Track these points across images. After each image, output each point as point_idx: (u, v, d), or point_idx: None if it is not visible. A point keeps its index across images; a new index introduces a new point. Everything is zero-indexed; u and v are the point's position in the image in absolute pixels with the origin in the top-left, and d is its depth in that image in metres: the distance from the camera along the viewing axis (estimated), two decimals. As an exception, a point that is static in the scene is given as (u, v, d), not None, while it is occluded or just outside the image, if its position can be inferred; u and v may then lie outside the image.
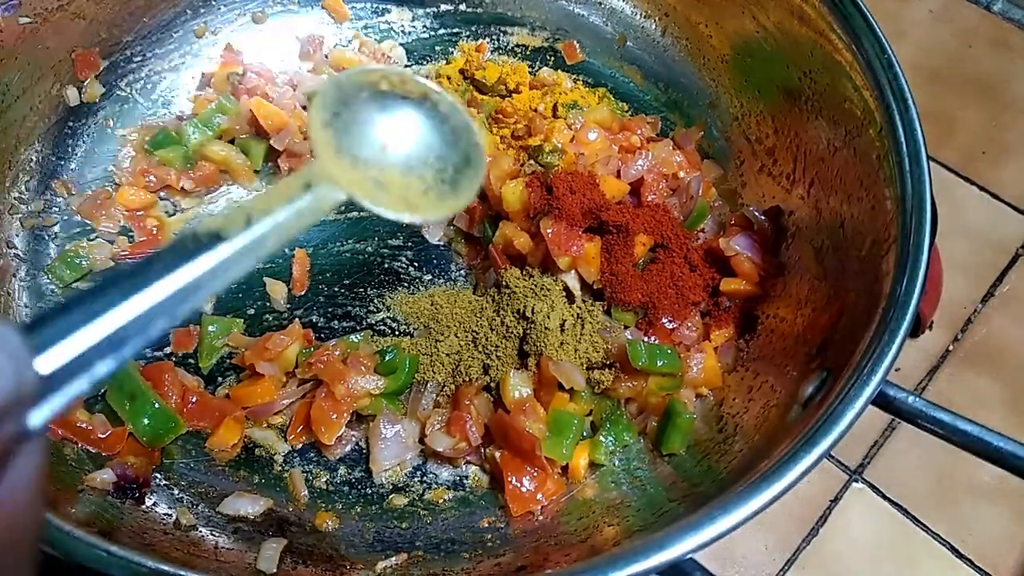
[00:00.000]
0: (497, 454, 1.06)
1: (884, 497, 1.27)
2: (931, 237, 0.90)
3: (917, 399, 0.83)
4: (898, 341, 0.82)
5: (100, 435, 1.03)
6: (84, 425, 1.03)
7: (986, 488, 1.27)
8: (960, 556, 1.22)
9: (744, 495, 0.75)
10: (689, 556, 0.73)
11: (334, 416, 1.08)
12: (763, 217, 1.20)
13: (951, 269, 1.40)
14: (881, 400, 0.82)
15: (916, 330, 1.36)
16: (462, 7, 1.49)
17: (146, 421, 1.05)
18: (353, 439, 1.11)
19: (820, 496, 1.27)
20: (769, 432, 0.98)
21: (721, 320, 1.18)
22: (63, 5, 1.22)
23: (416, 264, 1.26)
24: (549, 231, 1.13)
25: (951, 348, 1.38)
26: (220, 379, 1.14)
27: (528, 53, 1.47)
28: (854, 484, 1.28)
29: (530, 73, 1.42)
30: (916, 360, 1.37)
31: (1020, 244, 1.46)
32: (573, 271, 1.16)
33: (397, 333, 1.19)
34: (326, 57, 1.42)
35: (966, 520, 1.25)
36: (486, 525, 1.05)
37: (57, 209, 1.23)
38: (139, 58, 1.34)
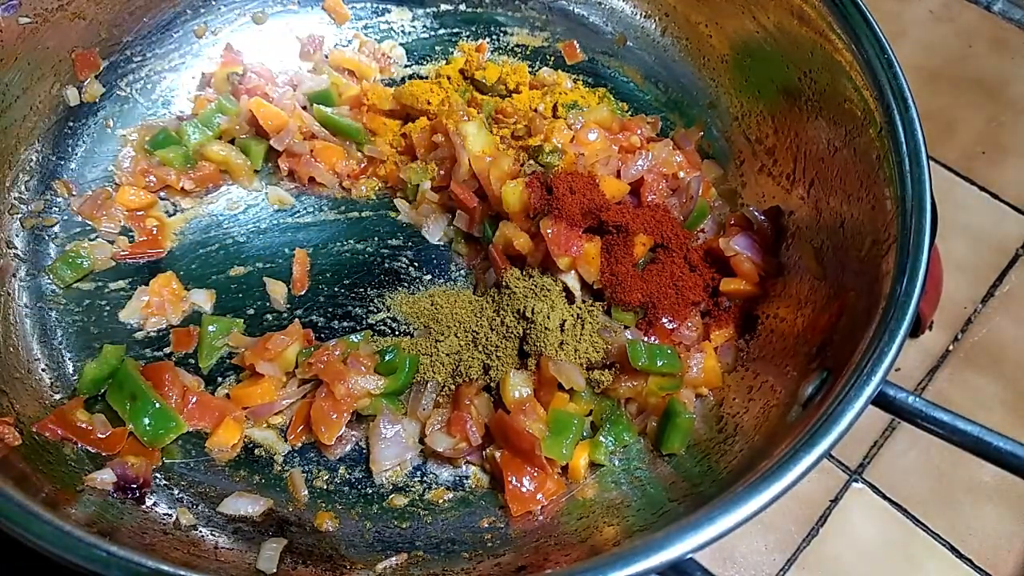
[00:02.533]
0: (497, 454, 1.06)
1: (884, 497, 1.27)
2: (931, 237, 0.90)
3: (917, 399, 0.83)
4: (898, 341, 0.82)
5: (100, 435, 1.03)
6: (84, 425, 1.03)
7: (986, 488, 1.27)
8: (960, 556, 1.22)
9: (744, 495, 0.75)
10: (689, 556, 0.72)
11: (334, 416, 1.08)
12: (763, 217, 1.20)
13: (951, 269, 1.40)
14: (881, 400, 0.82)
15: (916, 330, 1.36)
16: (462, 7, 1.49)
17: (147, 421, 1.05)
18: (353, 439, 1.11)
19: (820, 496, 1.27)
20: (769, 432, 0.98)
21: (721, 320, 1.18)
22: (63, 5, 1.22)
23: (416, 264, 1.26)
24: (549, 231, 1.13)
25: (951, 348, 1.38)
26: (220, 379, 1.14)
27: (528, 53, 1.47)
28: (854, 484, 1.28)
29: (530, 73, 1.42)
30: (916, 360, 1.37)
31: (1020, 244, 1.46)
32: (573, 271, 1.16)
33: (397, 333, 1.19)
34: (326, 57, 1.43)
35: (966, 520, 1.25)
36: (486, 525, 1.05)
37: (57, 209, 1.23)
38: (139, 58, 1.34)
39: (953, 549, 1.23)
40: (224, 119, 1.31)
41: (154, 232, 1.25)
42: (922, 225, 0.91)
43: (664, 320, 1.15)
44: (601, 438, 1.10)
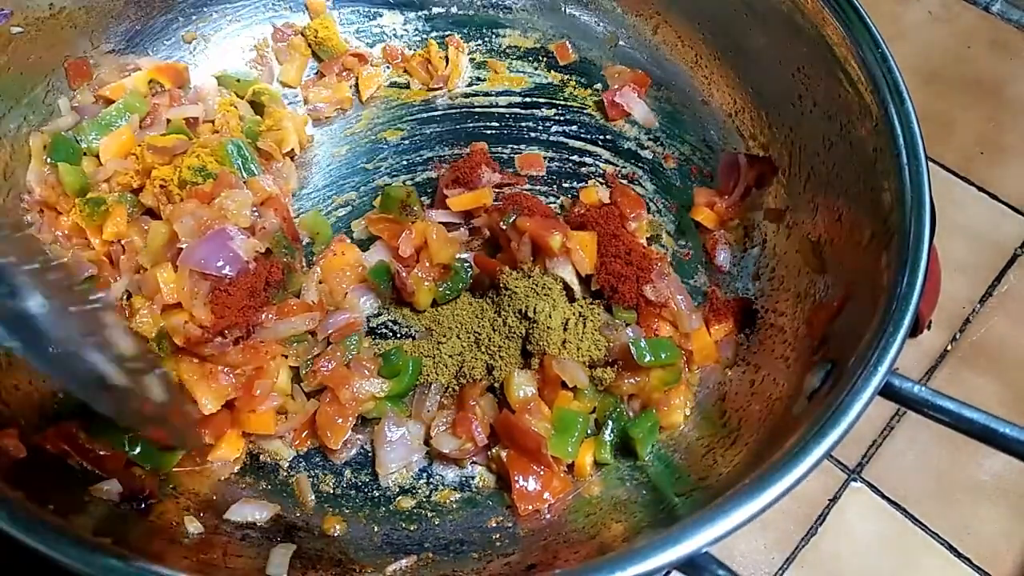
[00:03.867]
0: (503, 454, 1.06)
1: (883, 496, 1.28)
2: (931, 231, 0.91)
3: (923, 388, 0.83)
4: (903, 330, 0.83)
5: (102, 452, 1.00)
6: (84, 443, 1.00)
7: (984, 487, 1.28)
8: (958, 555, 1.23)
9: (757, 487, 0.75)
10: (704, 551, 0.73)
11: (340, 420, 1.08)
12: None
13: (949, 269, 1.41)
14: (887, 390, 0.83)
15: (915, 330, 1.37)
16: (453, 9, 1.49)
17: (138, 449, 1.02)
18: (358, 442, 1.11)
19: (819, 495, 1.28)
20: (774, 425, 0.99)
21: (720, 314, 1.18)
22: (55, 14, 1.21)
23: (415, 267, 1.26)
24: (529, 225, 1.13)
25: (949, 348, 1.38)
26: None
27: (520, 54, 1.46)
28: (853, 483, 1.28)
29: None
30: (915, 359, 1.37)
31: (1018, 244, 1.46)
32: (569, 265, 1.15)
33: (399, 336, 1.19)
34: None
35: (964, 519, 1.26)
36: (494, 525, 1.05)
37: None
38: (131, 66, 1.33)
39: (951, 548, 1.24)
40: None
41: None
42: (922, 217, 0.92)
43: (647, 290, 1.14)
44: (605, 435, 1.10)
